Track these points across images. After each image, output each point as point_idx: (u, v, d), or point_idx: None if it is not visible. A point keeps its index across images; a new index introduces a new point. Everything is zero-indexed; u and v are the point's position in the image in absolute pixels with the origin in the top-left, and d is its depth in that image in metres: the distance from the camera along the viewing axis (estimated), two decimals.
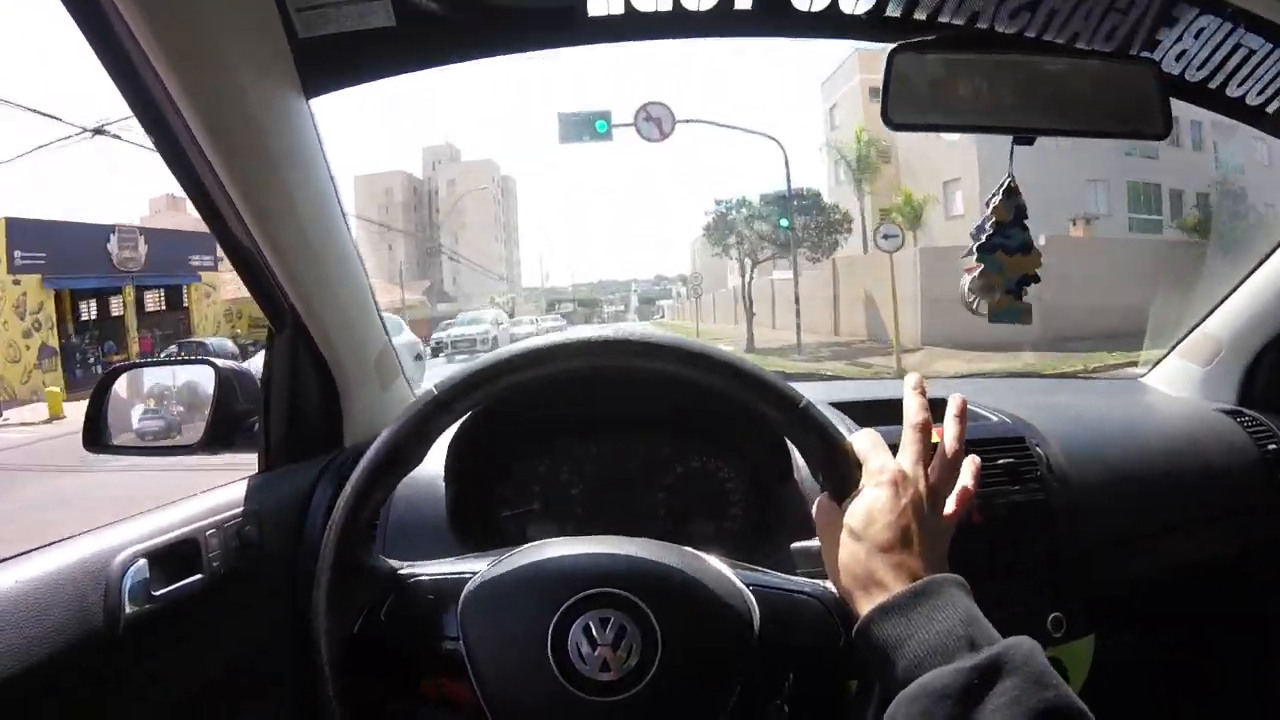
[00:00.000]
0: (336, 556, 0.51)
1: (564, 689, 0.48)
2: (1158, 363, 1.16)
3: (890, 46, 0.72)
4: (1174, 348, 1.12)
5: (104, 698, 0.60)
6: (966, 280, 0.77)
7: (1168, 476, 0.93)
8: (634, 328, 0.55)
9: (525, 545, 0.54)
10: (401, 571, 0.55)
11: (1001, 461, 0.83)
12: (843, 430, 0.53)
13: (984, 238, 0.74)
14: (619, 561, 0.51)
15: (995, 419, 0.91)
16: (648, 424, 0.84)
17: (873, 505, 0.48)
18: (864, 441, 0.53)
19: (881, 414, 0.75)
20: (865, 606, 0.46)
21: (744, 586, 0.52)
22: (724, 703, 0.49)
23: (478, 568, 0.54)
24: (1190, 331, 1.10)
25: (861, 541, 0.48)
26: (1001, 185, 0.76)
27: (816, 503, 0.53)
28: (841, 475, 0.51)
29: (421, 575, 0.55)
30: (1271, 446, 0.98)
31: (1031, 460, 0.85)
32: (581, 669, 0.48)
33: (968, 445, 0.83)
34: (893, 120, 0.71)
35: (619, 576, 0.50)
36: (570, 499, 0.84)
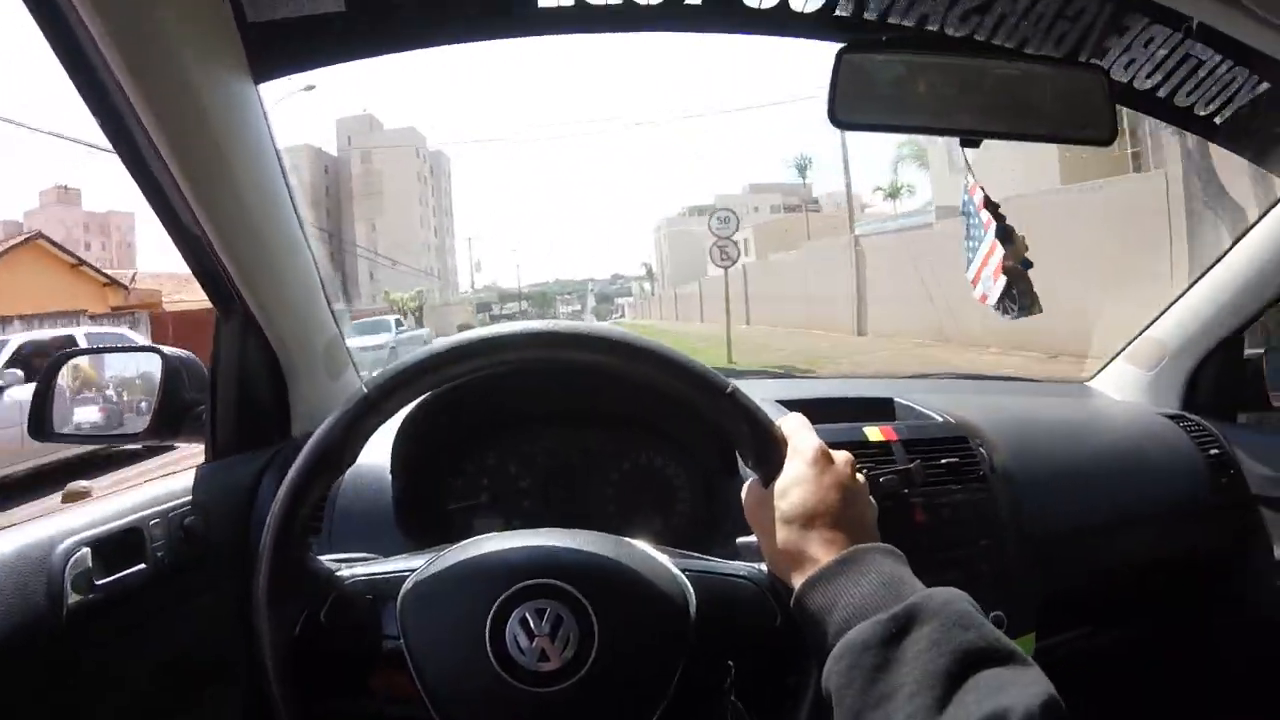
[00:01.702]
0: (273, 562, 0.51)
1: (504, 681, 0.48)
2: (1103, 367, 1.18)
3: (839, 45, 0.73)
4: (1120, 352, 1.14)
5: (51, 687, 0.59)
6: (993, 271, 0.77)
7: (1111, 479, 0.95)
8: (567, 323, 0.54)
9: (462, 541, 0.54)
10: (339, 573, 0.54)
11: (944, 461, 0.84)
12: (771, 416, 0.53)
13: (994, 226, 0.74)
14: (553, 553, 0.52)
15: (939, 419, 0.93)
16: (596, 419, 0.85)
17: (798, 482, 0.49)
18: (791, 423, 0.54)
19: (828, 413, 0.76)
20: (797, 581, 0.47)
21: (679, 572, 0.53)
22: (664, 688, 0.50)
23: (415, 565, 0.54)
24: (1136, 337, 1.12)
25: (789, 520, 0.49)
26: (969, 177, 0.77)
27: (746, 487, 0.54)
28: (770, 458, 0.52)
29: (359, 575, 0.55)
30: (1214, 451, 1.00)
31: (975, 460, 0.86)
32: (520, 660, 0.48)
33: (912, 444, 0.86)
34: (839, 119, 0.72)
35: (553, 567, 0.50)
36: (518, 492, 0.84)
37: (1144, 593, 1.02)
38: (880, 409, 0.99)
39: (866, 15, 0.73)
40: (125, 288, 15.90)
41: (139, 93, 0.63)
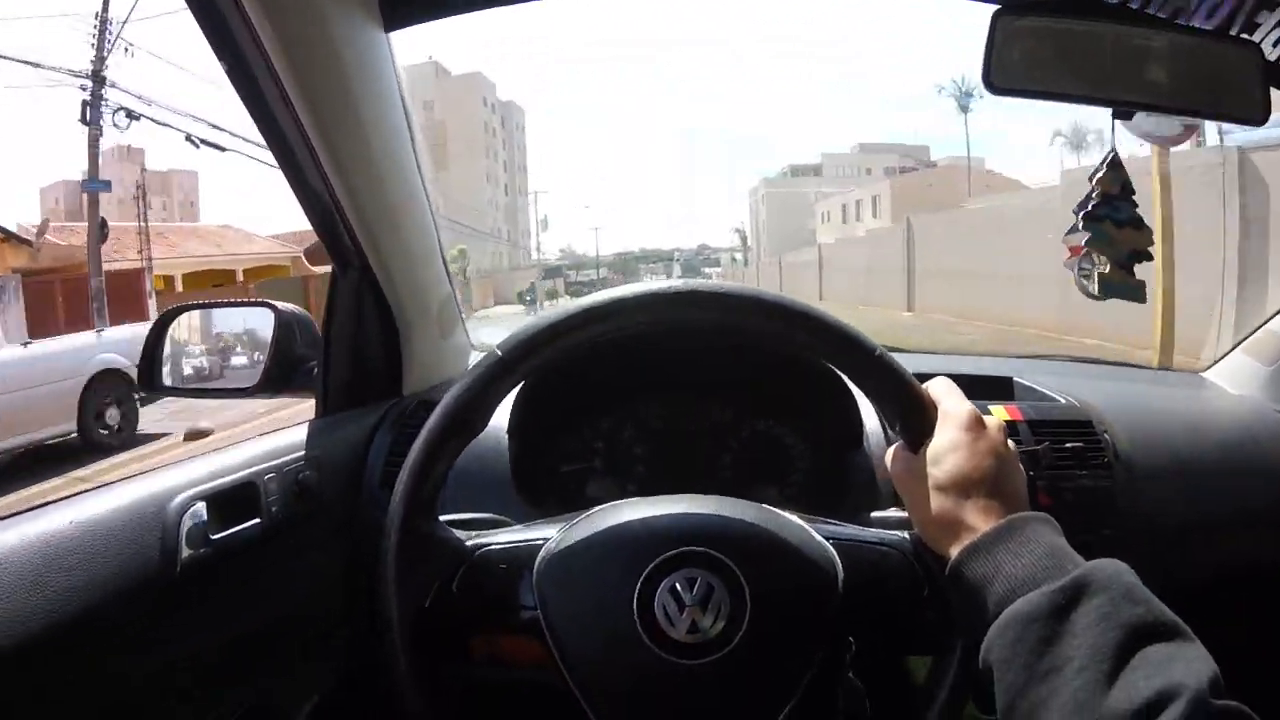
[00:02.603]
0: (403, 531, 0.50)
1: (653, 653, 0.47)
2: (1220, 358, 1.14)
3: (994, 8, 0.70)
4: (1239, 344, 1.10)
5: (159, 640, 0.59)
6: (1071, 254, 0.75)
7: (1229, 475, 0.92)
8: (709, 282, 0.52)
9: (596, 508, 0.53)
10: (470, 543, 0.53)
11: (1069, 445, 0.81)
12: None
13: (1090, 207, 0.72)
14: (702, 520, 0.50)
15: (1063, 400, 0.90)
16: (712, 385, 0.83)
17: (953, 448, 0.48)
18: (938, 387, 0.52)
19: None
20: (954, 550, 0.46)
21: (824, 540, 0.51)
22: (810, 660, 0.48)
23: (547, 534, 0.53)
24: (1258, 329, 1.07)
25: (944, 487, 0.47)
26: (1105, 158, 0.74)
27: (890, 452, 0.52)
28: (917, 422, 0.50)
29: (492, 544, 0.53)
30: None
31: (1099, 445, 0.83)
32: (670, 631, 0.47)
33: (1037, 425, 0.83)
34: (994, 84, 0.69)
35: (704, 535, 0.49)
36: (633, 457, 0.82)
37: (1253, 594, 0.99)
38: (999, 388, 0.96)
39: None
40: (30, 244, 12.64)
41: (275, 43, 0.62)
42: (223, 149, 10.76)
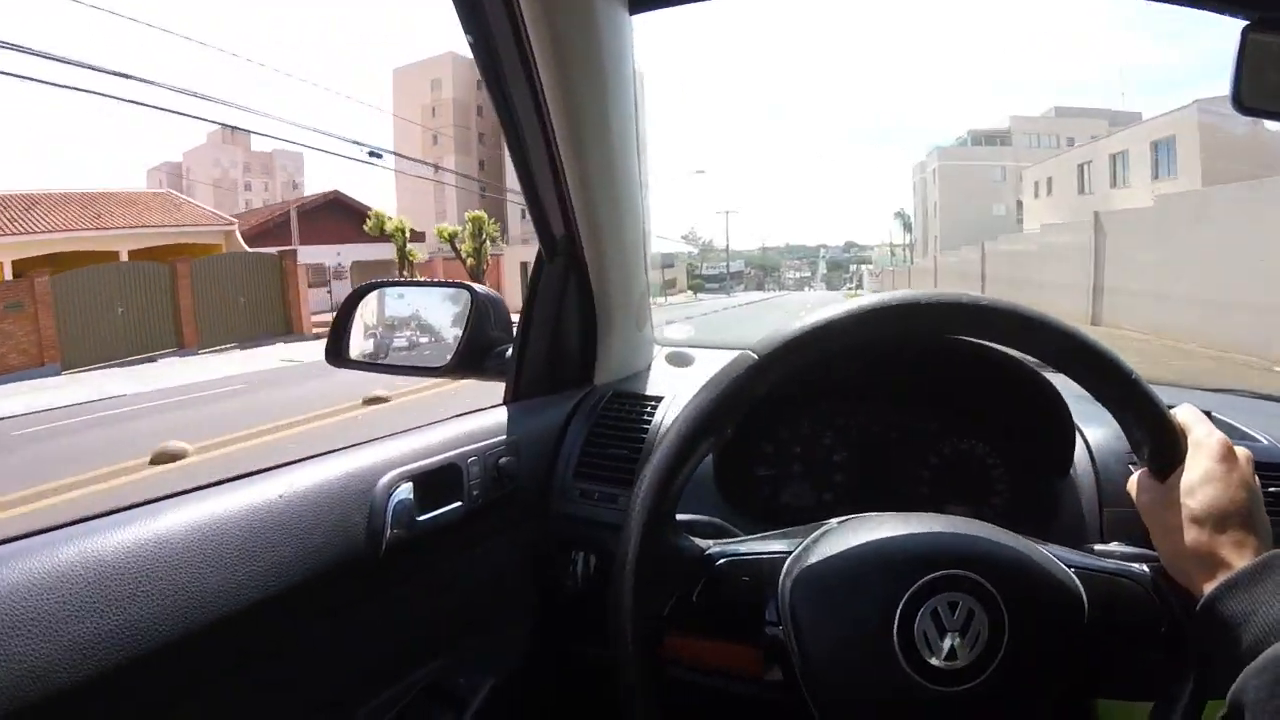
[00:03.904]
0: (643, 541, 0.48)
1: (908, 677, 0.45)
2: None
3: (1244, 22, 0.69)
4: None
5: (356, 620, 0.59)
6: None
7: None
8: (945, 290, 0.51)
9: (835, 521, 0.52)
10: (709, 552, 0.52)
11: (1272, 489, 0.79)
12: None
13: None
14: (967, 542, 0.49)
15: (1266, 441, 0.87)
16: (917, 398, 0.81)
17: (1208, 480, 0.47)
18: (1187, 414, 0.51)
19: None
20: (1207, 585, 0.44)
21: (1068, 569, 0.50)
22: (1057, 690, 0.47)
23: (786, 546, 0.51)
24: None
25: (1199, 519, 0.46)
26: None
27: (1135, 480, 0.51)
28: (1168, 451, 0.48)
29: (734, 556, 0.52)
30: None
31: None
32: (927, 656, 0.45)
33: (1265, 468, 0.79)
34: (1244, 104, 0.67)
35: (965, 558, 0.47)
36: (831, 465, 0.81)
37: None
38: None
39: None
40: None
41: (525, 8, 0.61)
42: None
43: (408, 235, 18.68)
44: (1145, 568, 0.50)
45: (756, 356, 0.49)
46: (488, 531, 0.73)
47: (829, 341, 0.49)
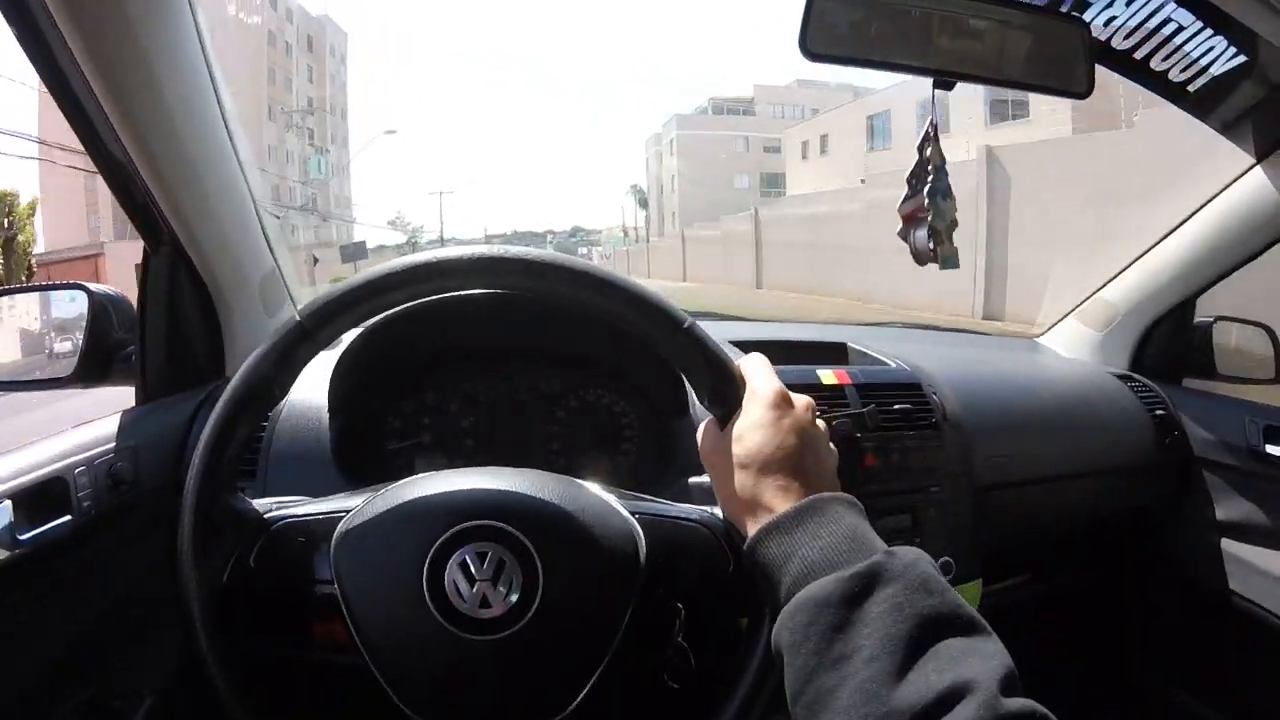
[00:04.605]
0: (198, 502, 0.48)
1: (443, 628, 0.46)
2: (1054, 324, 1.20)
3: None
4: (1071, 311, 1.16)
5: None
6: (912, 226, 0.75)
7: (1060, 433, 0.97)
8: (518, 248, 0.51)
9: (400, 481, 0.52)
10: (268, 515, 0.52)
11: (898, 406, 0.84)
12: (729, 355, 0.51)
13: (930, 182, 0.73)
14: (493, 494, 0.50)
15: (893, 364, 0.93)
16: (541, 356, 0.82)
17: (756, 426, 0.47)
18: (750, 364, 0.51)
19: (782, 355, 0.74)
20: (752, 529, 0.45)
21: (629, 515, 0.51)
22: (611, 634, 0.49)
23: (350, 505, 0.51)
24: (1089, 297, 1.14)
25: (746, 464, 0.46)
26: (926, 129, 0.75)
27: (702, 427, 0.51)
28: (727, 398, 0.49)
29: (290, 517, 0.52)
30: (1159, 412, 1.04)
31: (928, 406, 0.86)
32: (460, 606, 0.46)
33: (865, 389, 0.85)
34: (810, 50, 0.68)
35: (494, 508, 0.48)
36: (460, 431, 0.81)
37: (1084, 545, 1.07)
38: (834, 353, 0.98)
39: None
40: None
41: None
42: None
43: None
44: (717, 511, 0.52)
45: (299, 319, 0.49)
46: (114, 542, 0.70)
47: (376, 299, 0.49)
